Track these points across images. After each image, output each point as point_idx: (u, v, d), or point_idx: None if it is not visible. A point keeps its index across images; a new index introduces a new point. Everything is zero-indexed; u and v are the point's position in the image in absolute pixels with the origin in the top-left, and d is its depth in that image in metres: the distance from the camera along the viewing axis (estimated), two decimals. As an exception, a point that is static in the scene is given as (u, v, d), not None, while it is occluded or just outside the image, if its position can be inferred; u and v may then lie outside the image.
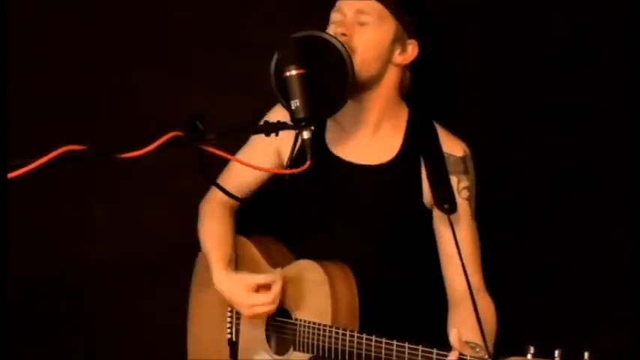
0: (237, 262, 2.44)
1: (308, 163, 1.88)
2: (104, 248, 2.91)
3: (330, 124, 2.40)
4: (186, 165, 1.84)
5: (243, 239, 2.51)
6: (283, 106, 1.92)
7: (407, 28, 2.30)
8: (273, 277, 2.30)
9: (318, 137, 2.38)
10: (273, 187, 2.51)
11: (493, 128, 2.69)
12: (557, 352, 1.73)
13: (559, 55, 2.71)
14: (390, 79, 2.32)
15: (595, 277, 2.72)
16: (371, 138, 2.35)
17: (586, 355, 1.71)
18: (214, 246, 2.45)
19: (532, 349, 1.75)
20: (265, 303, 2.29)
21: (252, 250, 2.48)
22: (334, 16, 2.30)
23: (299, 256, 2.38)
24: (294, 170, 1.96)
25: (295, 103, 1.86)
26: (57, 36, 2.82)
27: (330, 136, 2.40)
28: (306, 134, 1.88)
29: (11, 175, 1.43)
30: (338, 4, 2.31)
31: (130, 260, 2.89)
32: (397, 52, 2.31)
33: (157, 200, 2.90)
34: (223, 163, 2.49)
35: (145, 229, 2.90)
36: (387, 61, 2.30)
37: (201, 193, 2.58)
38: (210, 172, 1.78)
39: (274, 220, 2.53)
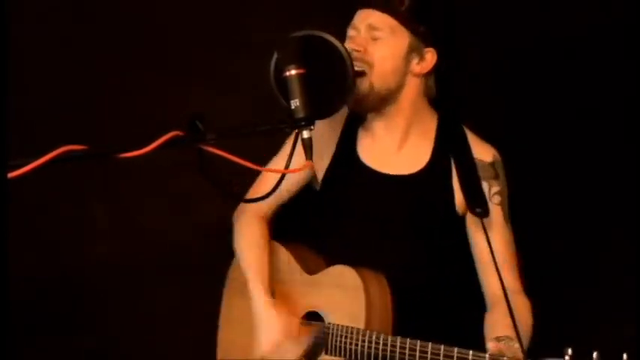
0: (271, 268, 2.44)
1: (308, 163, 1.88)
2: (104, 248, 2.91)
3: (361, 133, 2.43)
4: (186, 165, 1.84)
5: (278, 245, 2.51)
6: (283, 105, 1.92)
7: (422, 37, 2.32)
8: (301, 339, 2.32)
9: (351, 148, 2.42)
10: (306, 196, 2.51)
11: (493, 128, 2.69)
12: (595, 354, 1.71)
13: (559, 55, 2.71)
14: (411, 89, 2.35)
15: (595, 277, 2.72)
16: (400, 147, 2.38)
17: (625, 356, 1.70)
18: (253, 265, 2.44)
19: (570, 352, 1.73)
20: (288, 356, 2.31)
21: (286, 255, 2.48)
22: (349, 32, 2.34)
23: (331, 263, 2.37)
24: (295, 170, 1.96)
25: (295, 103, 1.86)
26: (57, 36, 2.82)
27: (361, 147, 2.42)
28: (305, 134, 1.88)
29: (11, 175, 1.43)
30: (353, 19, 2.34)
31: (130, 260, 2.89)
32: (415, 62, 2.33)
33: (156, 200, 2.90)
34: (223, 163, 2.48)
35: (144, 229, 2.90)
36: (405, 72, 2.32)
37: (201, 193, 2.57)
38: (210, 172, 1.78)
39: (306, 230, 2.53)
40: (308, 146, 1.88)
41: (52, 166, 1.50)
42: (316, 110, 1.88)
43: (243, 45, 2.81)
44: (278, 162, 2.43)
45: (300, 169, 1.92)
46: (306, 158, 1.88)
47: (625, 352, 1.69)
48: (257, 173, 2.48)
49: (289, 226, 2.59)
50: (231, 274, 2.59)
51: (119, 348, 2.90)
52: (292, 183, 2.48)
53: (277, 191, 2.43)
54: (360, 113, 2.39)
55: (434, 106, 2.42)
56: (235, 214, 2.56)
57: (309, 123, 1.87)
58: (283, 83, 1.89)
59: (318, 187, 2.42)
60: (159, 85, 2.84)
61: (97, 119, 2.84)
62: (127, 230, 2.92)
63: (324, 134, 2.40)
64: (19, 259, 2.02)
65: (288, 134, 2.28)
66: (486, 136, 2.42)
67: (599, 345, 1.72)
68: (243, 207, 2.55)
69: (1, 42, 1.47)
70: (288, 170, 2.03)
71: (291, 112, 1.87)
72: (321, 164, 2.43)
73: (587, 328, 2.65)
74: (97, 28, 2.84)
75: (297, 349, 2.32)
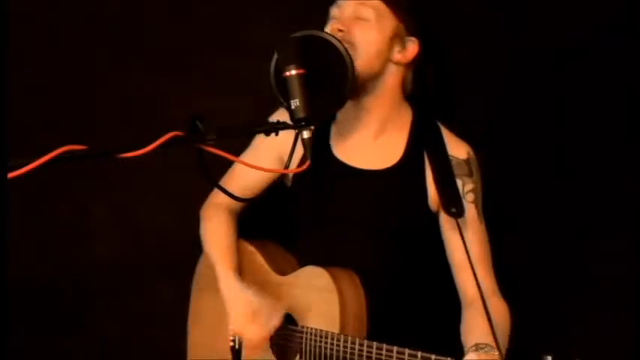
0: (240, 268, 2.43)
1: (307, 163, 1.88)
2: (104, 248, 2.91)
3: (334, 129, 2.40)
4: (186, 165, 1.84)
5: (245, 244, 2.49)
6: (283, 106, 1.92)
7: (406, 25, 2.30)
8: (276, 308, 2.30)
9: (324, 143, 2.38)
10: (274, 191, 2.50)
11: (492, 129, 2.69)
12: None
13: (560, 55, 2.71)
14: (391, 78, 2.32)
15: (595, 279, 2.72)
16: (375, 141, 2.35)
17: None
18: (221, 252, 2.43)
19: (549, 359, 1.72)
20: (255, 337, 2.30)
21: (256, 255, 2.47)
22: (333, 11, 2.30)
23: (303, 262, 2.36)
24: (295, 170, 1.96)
25: (295, 103, 1.86)
26: (57, 36, 2.82)
27: (334, 141, 2.39)
28: (305, 134, 1.87)
29: (11, 175, 1.43)
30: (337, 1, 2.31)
31: (130, 260, 2.89)
32: (397, 49, 2.30)
33: (156, 200, 2.90)
34: (223, 163, 2.49)
35: (144, 229, 2.90)
36: (387, 58, 2.29)
37: (201, 193, 2.57)
38: (210, 172, 1.77)
39: (276, 226, 2.52)
40: (308, 146, 1.88)
41: (52, 166, 1.49)
42: (316, 110, 1.88)
43: (244, 45, 2.81)
44: (248, 156, 2.41)
45: (300, 169, 1.92)
46: (307, 158, 1.88)
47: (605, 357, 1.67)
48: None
49: (260, 223, 2.58)
50: (198, 272, 2.58)
51: (119, 348, 2.90)
52: (264, 179, 2.46)
53: (247, 187, 2.46)
54: None
55: (409, 101, 2.39)
56: (203, 208, 2.54)
57: (309, 123, 1.87)
58: (283, 83, 1.89)
59: (289, 183, 2.41)
60: (159, 85, 2.84)
61: (97, 119, 2.84)
62: (126, 230, 2.92)
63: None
64: (19, 259, 2.01)
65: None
66: (485, 137, 2.41)
67: (598, 346, 1.72)
68: (211, 200, 2.53)
69: (1, 42, 1.47)
70: (288, 170, 2.03)
71: (291, 112, 1.86)
72: (293, 159, 2.40)
73: (584, 331, 2.65)
74: (97, 28, 2.84)
75: (271, 322, 2.29)
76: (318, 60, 1.93)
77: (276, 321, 2.30)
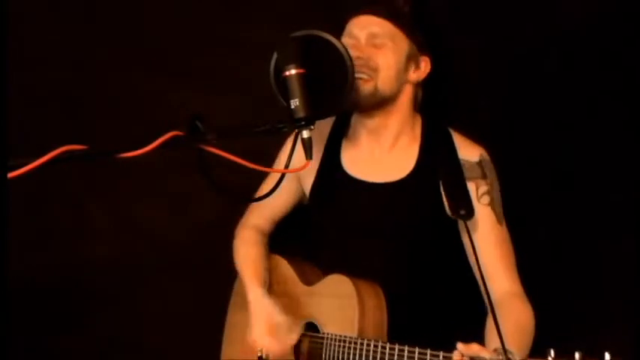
0: (271, 281, 2.46)
1: (308, 162, 1.88)
2: (104, 248, 2.91)
3: (345, 144, 2.42)
4: (186, 165, 1.84)
5: (278, 258, 2.53)
6: (282, 105, 1.92)
7: (419, 45, 2.34)
8: (293, 324, 2.33)
9: (335, 159, 2.42)
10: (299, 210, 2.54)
11: (493, 130, 2.69)
12: (577, 355, 1.68)
13: (561, 54, 2.71)
14: (405, 96, 2.35)
15: (598, 279, 2.72)
16: (388, 155, 2.37)
17: (607, 356, 1.68)
18: (249, 267, 2.47)
19: (552, 353, 1.71)
20: (272, 349, 2.32)
21: (287, 268, 2.49)
22: (346, 40, 2.30)
23: (327, 274, 2.37)
24: (295, 170, 1.96)
25: (295, 103, 1.86)
26: (57, 36, 2.82)
27: (345, 158, 2.42)
28: (305, 134, 1.87)
29: (11, 175, 1.43)
30: (348, 27, 2.32)
31: (130, 260, 2.89)
32: (412, 69, 2.34)
33: (156, 200, 2.90)
34: (224, 163, 2.48)
35: (144, 229, 2.90)
36: (404, 79, 2.33)
37: (201, 193, 2.57)
38: (210, 172, 1.78)
39: (303, 243, 2.55)
40: (308, 146, 1.88)
41: (52, 166, 1.50)
42: (316, 110, 1.88)
43: (244, 45, 2.81)
44: (280, 162, 2.45)
45: (300, 169, 1.92)
46: (306, 158, 1.88)
47: (607, 351, 1.67)
48: (257, 173, 2.47)
49: (289, 239, 2.61)
50: (235, 289, 2.61)
51: (119, 348, 2.90)
52: (286, 199, 2.52)
53: (273, 207, 2.51)
54: (354, 111, 2.37)
55: (419, 110, 2.41)
56: (236, 230, 2.59)
57: (308, 123, 1.87)
58: (283, 83, 1.89)
59: (306, 202, 2.44)
60: (159, 85, 2.84)
61: (97, 119, 2.84)
62: (126, 230, 2.92)
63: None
64: (19, 259, 2.01)
65: (289, 134, 2.28)
66: (489, 139, 2.41)
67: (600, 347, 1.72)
68: (243, 223, 2.58)
69: (1, 42, 1.47)
70: (288, 170, 2.03)
71: (290, 112, 1.87)
72: (308, 179, 2.45)
73: (589, 330, 2.65)
74: (96, 28, 2.84)
75: (289, 338, 2.32)
76: (318, 60, 1.93)
77: (294, 336, 2.33)
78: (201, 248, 2.78)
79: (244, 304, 2.43)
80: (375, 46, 2.29)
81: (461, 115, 2.66)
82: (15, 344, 1.76)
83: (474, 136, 2.39)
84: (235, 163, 1.77)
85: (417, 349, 2.03)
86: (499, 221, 2.29)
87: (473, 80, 2.73)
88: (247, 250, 2.52)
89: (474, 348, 1.93)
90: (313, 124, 1.88)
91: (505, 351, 1.90)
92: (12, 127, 1.49)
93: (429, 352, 2.01)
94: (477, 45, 2.74)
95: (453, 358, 1.94)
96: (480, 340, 2.07)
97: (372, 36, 2.29)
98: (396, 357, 2.08)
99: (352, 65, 1.99)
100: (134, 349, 2.89)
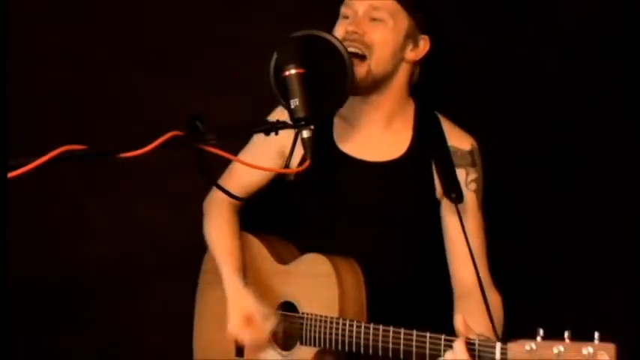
0: (244, 260, 2.43)
1: (308, 162, 1.88)
2: (104, 248, 2.91)
3: (337, 121, 2.39)
4: (186, 165, 1.84)
5: (249, 236, 2.49)
6: (283, 105, 1.92)
7: (419, 24, 2.30)
8: (268, 313, 2.31)
9: (326, 135, 2.37)
10: (277, 186, 2.50)
11: (493, 124, 2.70)
12: (566, 333, 1.71)
13: (562, 54, 2.71)
14: (402, 75, 2.32)
15: (599, 279, 2.72)
16: (382, 134, 2.35)
17: (596, 335, 1.70)
18: (225, 252, 2.44)
19: (541, 332, 1.73)
20: (249, 339, 2.32)
21: (259, 247, 2.47)
22: (345, 11, 2.29)
23: (305, 252, 2.36)
24: (295, 170, 1.96)
25: (295, 103, 1.86)
26: (57, 36, 2.82)
27: (338, 134, 2.38)
28: (305, 133, 1.87)
29: (11, 175, 1.43)
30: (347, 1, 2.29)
31: (130, 260, 2.89)
32: (409, 48, 2.30)
33: (156, 200, 2.90)
34: (223, 163, 2.49)
35: (144, 229, 2.90)
36: (401, 58, 2.30)
37: (201, 193, 2.57)
38: (210, 172, 1.78)
39: (279, 219, 2.52)
40: (308, 146, 1.88)
41: (52, 166, 1.49)
42: (316, 110, 1.88)
43: (244, 45, 2.81)
44: (248, 153, 2.41)
45: (300, 169, 1.92)
46: (307, 158, 1.88)
47: (597, 330, 1.69)
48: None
49: (261, 217, 2.57)
50: (205, 266, 2.58)
51: (119, 348, 2.90)
52: (264, 178, 2.46)
53: (248, 185, 2.46)
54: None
55: (411, 93, 2.39)
56: (205, 204, 2.54)
57: (308, 122, 1.87)
58: (283, 83, 1.89)
59: (292, 177, 2.40)
60: (159, 85, 2.84)
61: (97, 119, 2.84)
62: (126, 230, 2.92)
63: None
64: (19, 259, 2.01)
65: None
66: (488, 132, 2.41)
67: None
68: (212, 197, 2.53)
69: (1, 42, 1.47)
70: (288, 170, 2.03)
71: (290, 112, 1.86)
72: (296, 153, 2.36)
73: (585, 327, 2.65)
74: (97, 28, 2.84)
75: (253, 335, 2.31)
76: (317, 59, 1.93)
77: (269, 325, 2.31)
78: (202, 248, 2.77)
79: (218, 282, 2.41)
80: (374, 20, 2.24)
81: (461, 114, 2.65)
82: (15, 344, 1.76)
83: (471, 125, 2.39)
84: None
85: (402, 330, 2.04)
86: (479, 209, 2.32)
87: (474, 79, 2.73)
88: (219, 229, 2.48)
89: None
90: (313, 123, 1.88)
91: (495, 333, 1.93)
92: (12, 127, 1.49)
93: (414, 333, 2.01)
94: (479, 44, 2.75)
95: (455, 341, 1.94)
96: (450, 323, 2.06)
97: (372, 8, 2.25)
98: (380, 337, 2.08)
99: (352, 65, 1.99)
100: (134, 349, 2.89)
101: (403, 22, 2.27)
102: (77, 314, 2.90)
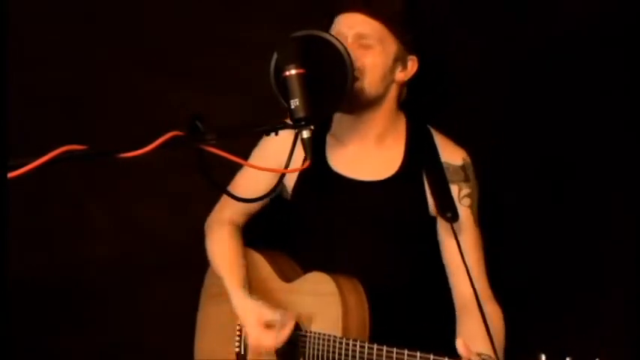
0: (249, 278, 2.43)
1: (308, 162, 1.88)
2: (104, 248, 2.91)
3: (330, 141, 2.41)
4: (186, 165, 1.84)
5: (254, 253, 2.51)
6: (283, 105, 1.92)
7: (407, 45, 2.32)
8: (286, 319, 2.30)
9: (320, 155, 2.39)
10: (276, 204, 2.49)
11: (493, 124, 2.70)
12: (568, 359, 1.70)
13: (562, 54, 2.71)
14: (391, 95, 2.34)
15: (599, 279, 2.72)
16: (374, 152, 2.36)
17: None
18: (229, 269, 2.43)
19: (543, 358, 1.71)
20: (270, 344, 2.30)
21: (263, 263, 2.48)
22: (336, 27, 2.29)
23: (307, 270, 2.37)
24: (295, 170, 1.96)
25: (295, 103, 1.86)
26: (57, 36, 2.82)
27: (331, 154, 2.40)
28: (305, 134, 1.87)
29: (11, 175, 1.43)
30: (337, 23, 2.30)
31: (130, 260, 2.89)
32: (399, 70, 2.33)
33: (156, 200, 2.90)
34: (224, 163, 2.48)
35: (144, 229, 2.90)
36: (391, 79, 2.32)
37: (201, 193, 2.57)
38: (210, 172, 1.78)
39: (281, 239, 2.52)
40: (308, 146, 1.88)
41: (52, 166, 1.49)
42: (316, 110, 1.88)
43: (244, 45, 2.81)
44: (251, 172, 2.41)
45: (300, 169, 1.92)
46: (306, 158, 1.88)
47: (598, 356, 1.68)
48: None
49: (264, 235, 2.59)
50: (207, 280, 2.59)
51: (119, 348, 2.90)
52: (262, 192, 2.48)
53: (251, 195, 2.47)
54: (340, 112, 2.35)
55: (401, 108, 2.40)
56: (206, 224, 2.56)
57: (308, 123, 1.87)
58: (283, 83, 1.89)
59: (289, 197, 2.42)
60: (159, 85, 2.84)
61: (97, 119, 2.84)
62: (126, 230, 2.92)
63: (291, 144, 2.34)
64: (19, 259, 2.01)
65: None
66: (484, 139, 2.42)
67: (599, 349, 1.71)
68: (214, 218, 2.55)
69: (1, 42, 1.47)
70: (288, 170, 2.03)
71: (291, 112, 1.86)
72: (292, 174, 2.41)
73: (587, 332, 2.65)
74: (96, 28, 2.84)
75: (274, 339, 2.29)
76: (317, 60, 1.93)
77: (288, 331, 2.30)
78: (202, 248, 2.77)
79: (220, 295, 2.41)
80: (362, 47, 2.26)
81: (461, 114, 2.66)
82: (15, 344, 1.76)
83: (475, 136, 2.40)
84: (235, 163, 1.77)
85: (405, 351, 2.04)
86: (476, 224, 2.33)
87: (474, 80, 2.73)
88: (222, 246, 2.49)
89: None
90: (313, 124, 1.88)
91: (496, 354, 1.94)
92: (12, 127, 1.49)
93: (418, 354, 2.01)
94: (479, 45, 2.75)
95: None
96: (453, 339, 2.07)
97: (360, 36, 2.26)
98: (384, 357, 2.08)
99: (352, 65, 1.99)
100: (134, 349, 2.89)
101: (391, 46, 2.29)
102: (77, 314, 2.90)
